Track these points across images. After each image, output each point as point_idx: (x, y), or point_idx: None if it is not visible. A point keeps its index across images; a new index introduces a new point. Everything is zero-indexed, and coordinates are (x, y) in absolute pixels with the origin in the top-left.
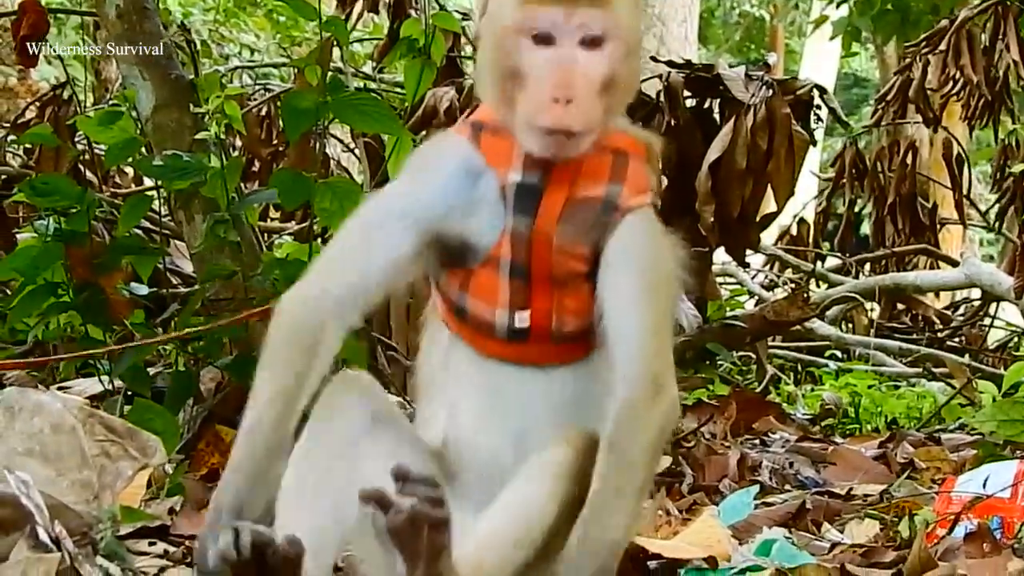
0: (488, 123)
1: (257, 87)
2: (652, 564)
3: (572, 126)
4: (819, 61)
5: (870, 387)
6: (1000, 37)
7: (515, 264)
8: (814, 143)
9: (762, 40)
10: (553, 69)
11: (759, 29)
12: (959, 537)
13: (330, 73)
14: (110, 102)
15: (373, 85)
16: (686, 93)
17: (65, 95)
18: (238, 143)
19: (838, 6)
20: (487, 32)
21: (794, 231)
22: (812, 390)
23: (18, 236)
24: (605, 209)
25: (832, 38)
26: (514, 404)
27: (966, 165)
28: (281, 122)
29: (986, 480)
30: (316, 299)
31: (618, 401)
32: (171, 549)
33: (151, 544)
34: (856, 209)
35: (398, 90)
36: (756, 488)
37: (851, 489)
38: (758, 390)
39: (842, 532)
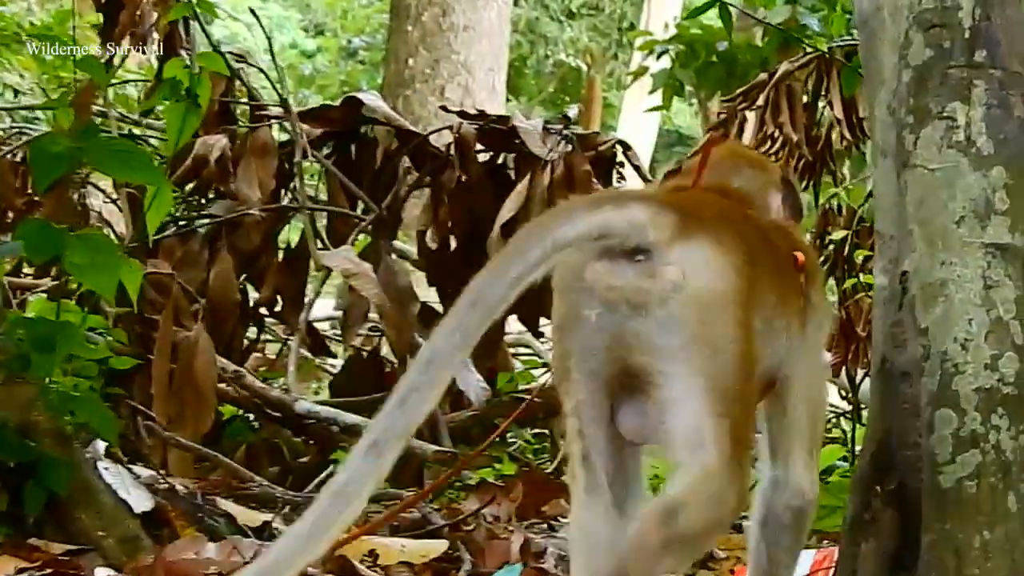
0: None
1: (13, 130)
2: None
3: None
4: (639, 116)
5: None
6: (823, 93)
7: None
8: None
9: (578, 92)
10: None
11: (575, 80)
12: None
13: (93, 117)
14: None
15: (141, 131)
16: (479, 146)
17: None
18: None
19: (659, 57)
20: None
21: None
22: None
23: None
24: None
25: (652, 91)
26: None
27: None
28: None
29: None
30: None
31: None
32: None
33: None
34: None
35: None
36: (520, 567)
37: None
38: (550, 470)
39: None
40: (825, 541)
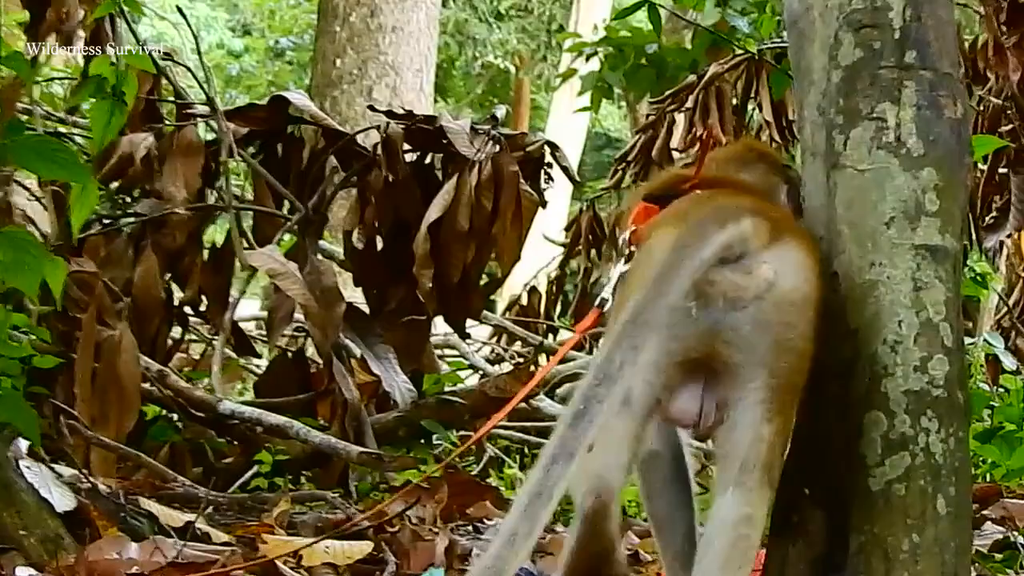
0: None
1: None
2: None
3: None
4: (568, 118)
5: None
6: (752, 95)
7: None
8: (543, 204)
9: (507, 94)
10: None
11: (503, 82)
12: None
13: (18, 114)
14: None
15: (66, 129)
16: (406, 146)
17: None
18: None
19: (587, 59)
20: None
21: (524, 301)
22: None
23: None
24: None
25: (580, 93)
26: None
27: None
28: None
29: None
30: None
31: None
32: None
33: None
34: (592, 278)
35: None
36: (444, 569)
37: None
38: (475, 472)
39: None
40: None
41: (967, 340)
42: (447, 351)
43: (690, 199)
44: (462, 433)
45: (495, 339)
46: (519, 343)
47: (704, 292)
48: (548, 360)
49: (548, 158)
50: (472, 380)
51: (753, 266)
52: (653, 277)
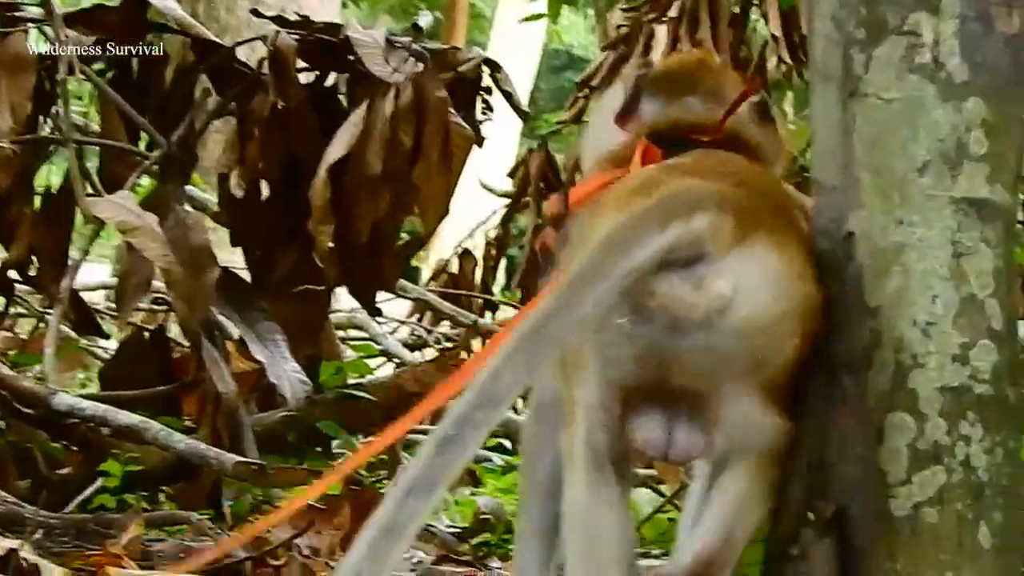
0: None
1: None
2: None
3: None
4: (517, 30)
5: None
6: (756, 2)
7: None
8: (480, 141)
9: (437, 0)
10: None
11: None
12: None
13: None
14: None
15: None
16: (301, 64)
17: None
18: None
19: None
20: None
21: (455, 268)
22: (469, 493)
23: None
24: None
25: None
26: None
27: None
28: None
29: None
30: None
31: None
32: None
33: None
34: None
35: None
36: None
37: None
38: (386, 490)
39: None
40: None
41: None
42: (352, 332)
43: (660, 169)
44: (370, 439)
45: (416, 317)
46: (447, 323)
47: (641, 306)
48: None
49: (487, 81)
50: (384, 370)
51: (705, 278)
52: (567, 282)
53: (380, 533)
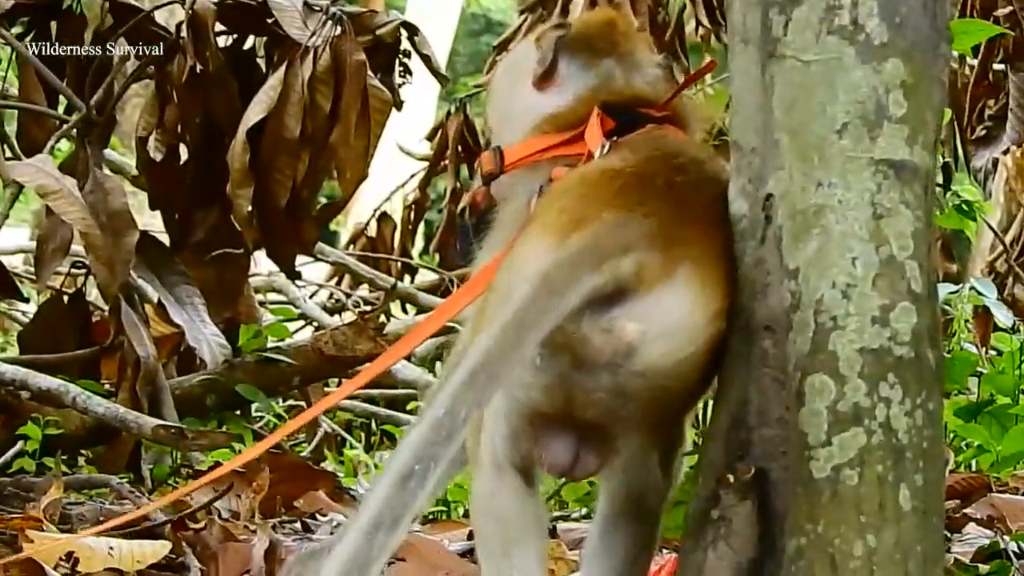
0: None
1: None
2: None
3: None
4: None
5: None
6: None
7: None
8: (399, 105)
9: None
10: None
11: None
12: None
13: None
14: None
15: None
16: (219, 27)
17: None
18: None
19: None
20: None
21: (373, 231)
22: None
23: None
24: None
25: None
26: None
27: None
28: None
29: None
30: None
31: None
32: None
33: None
34: (462, 203)
35: None
36: None
37: None
38: (306, 453)
39: None
40: (663, 549)
41: (950, 287)
42: (271, 296)
43: (603, 174)
44: (290, 404)
45: (334, 281)
46: (366, 286)
47: (552, 341)
48: (403, 309)
49: (405, 44)
50: (303, 334)
51: (617, 320)
52: (509, 321)
53: (350, 567)
